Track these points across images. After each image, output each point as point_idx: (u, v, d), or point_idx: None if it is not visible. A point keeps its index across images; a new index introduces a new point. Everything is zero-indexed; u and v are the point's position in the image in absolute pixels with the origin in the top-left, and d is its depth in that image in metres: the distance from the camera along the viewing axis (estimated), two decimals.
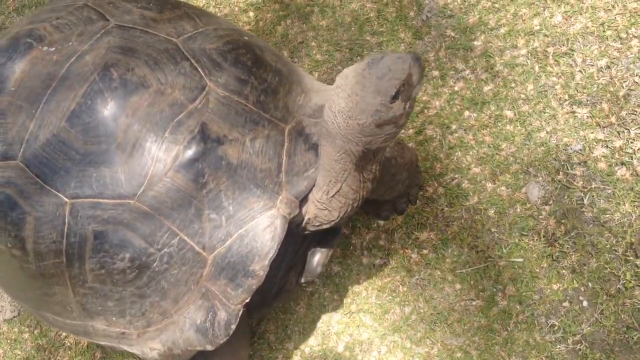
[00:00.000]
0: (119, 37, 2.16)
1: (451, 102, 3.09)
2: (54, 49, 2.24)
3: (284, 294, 2.60)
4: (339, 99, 1.92)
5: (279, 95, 2.27)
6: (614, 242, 2.64)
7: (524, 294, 2.68)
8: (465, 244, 2.83)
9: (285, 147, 2.21)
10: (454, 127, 3.05)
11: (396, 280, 2.87)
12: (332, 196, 2.17)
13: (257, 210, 2.12)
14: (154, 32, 2.21)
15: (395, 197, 2.77)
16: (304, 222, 2.29)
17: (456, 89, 3.11)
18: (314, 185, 2.20)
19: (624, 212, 2.67)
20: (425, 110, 3.12)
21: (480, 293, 2.73)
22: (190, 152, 2.05)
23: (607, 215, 2.68)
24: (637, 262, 2.58)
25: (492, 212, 2.85)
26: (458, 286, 2.78)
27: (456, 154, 3.01)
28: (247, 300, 2.12)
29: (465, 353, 2.66)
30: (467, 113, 3.04)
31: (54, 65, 2.18)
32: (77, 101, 2.08)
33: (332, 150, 2.06)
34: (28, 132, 2.14)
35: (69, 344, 3.18)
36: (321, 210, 2.22)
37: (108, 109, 2.06)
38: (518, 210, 2.82)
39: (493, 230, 2.82)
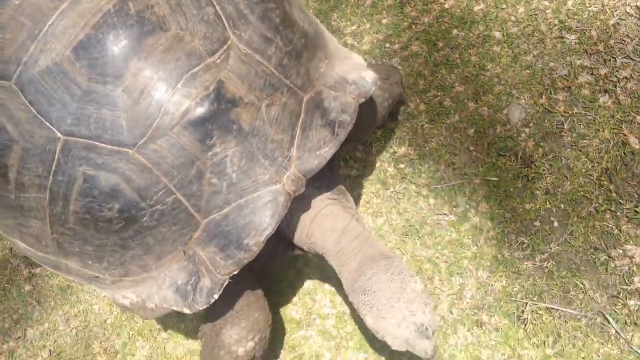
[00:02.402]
0: None
1: (440, 20, 3.03)
2: None
3: (272, 262, 2.50)
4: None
5: (302, 60, 2.11)
6: (589, 166, 2.65)
7: (496, 211, 2.68)
8: (442, 161, 2.81)
9: (301, 120, 2.07)
10: (440, 44, 3.00)
11: (370, 192, 2.84)
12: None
13: (261, 182, 1.99)
14: None
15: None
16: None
17: (446, 6, 3.05)
18: (324, 164, 2.08)
19: (603, 139, 2.67)
20: (413, 26, 3.06)
21: (454, 209, 2.72)
22: (201, 110, 1.89)
23: (586, 141, 2.69)
24: (610, 187, 2.60)
25: (472, 131, 2.83)
26: (432, 201, 2.77)
27: (441, 71, 2.97)
28: (235, 273, 2.01)
29: (434, 265, 2.66)
30: (455, 31, 2.99)
31: None
32: (87, 32, 1.88)
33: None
34: (27, 53, 1.93)
35: None
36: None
37: (120, 48, 1.87)
38: (498, 130, 2.81)
39: (471, 148, 2.80)
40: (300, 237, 2.29)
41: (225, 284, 2.01)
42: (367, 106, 2.33)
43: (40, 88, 1.91)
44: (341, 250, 2.21)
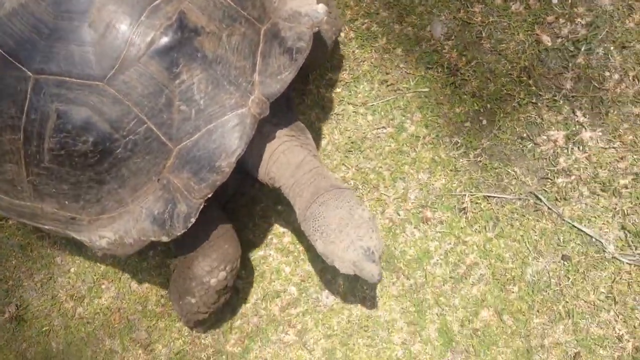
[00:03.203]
0: None
1: None
2: None
3: (239, 195, 2.60)
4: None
5: None
6: (509, 67, 2.86)
7: (429, 119, 2.86)
8: (375, 80, 2.98)
9: (261, 48, 2.18)
10: None
11: (311, 117, 2.98)
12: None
13: (228, 107, 2.08)
14: None
15: None
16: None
17: None
18: (285, 88, 2.18)
19: (518, 41, 2.89)
20: None
21: (391, 121, 2.89)
22: (166, 40, 1.98)
23: (503, 45, 2.90)
24: (530, 82, 2.81)
25: (400, 50, 3.01)
26: (370, 117, 2.93)
27: (365, 0, 3.13)
28: (209, 196, 2.09)
29: (377, 174, 2.81)
30: None
31: None
32: None
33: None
34: None
35: None
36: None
37: None
38: (423, 47, 2.99)
39: (401, 66, 2.98)
40: (261, 172, 2.40)
41: (201, 207, 2.08)
42: (317, 39, 2.45)
43: (7, 30, 1.97)
44: (295, 182, 2.32)
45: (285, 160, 2.34)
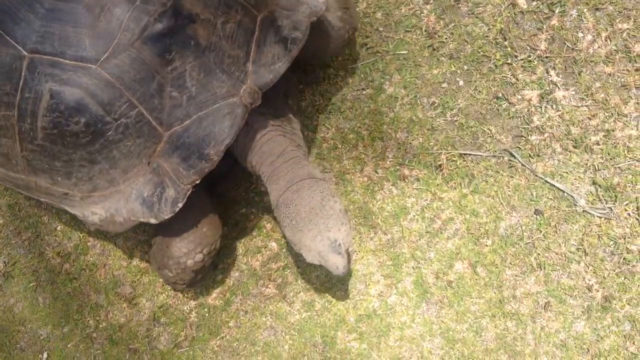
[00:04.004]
0: None
1: None
2: None
3: (230, 180, 2.65)
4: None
5: None
6: (486, 30, 2.92)
7: (408, 80, 2.92)
8: (356, 44, 3.04)
9: (256, 36, 2.17)
10: None
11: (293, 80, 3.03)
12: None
13: (219, 95, 2.10)
14: None
15: None
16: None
17: None
18: (278, 79, 2.17)
19: (495, 4, 2.95)
20: None
21: (370, 83, 2.96)
22: (160, 26, 1.99)
23: (480, 8, 2.96)
24: (505, 44, 2.87)
25: (380, 14, 3.07)
26: (350, 80, 2.99)
27: None
28: (197, 182, 2.13)
29: (356, 134, 2.88)
30: None
31: None
32: None
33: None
34: None
35: None
36: None
37: None
38: (403, 11, 3.05)
39: (381, 29, 3.04)
40: (243, 159, 2.44)
41: (189, 193, 2.12)
42: (321, 29, 2.47)
43: (4, 8, 1.99)
44: (273, 171, 2.35)
45: (267, 149, 2.36)
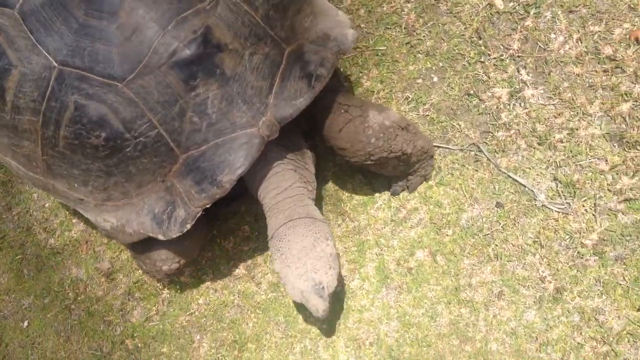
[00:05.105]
0: None
1: None
2: None
3: (239, 201, 2.71)
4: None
5: (288, 14, 2.22)
6: (463, 28, 3.01)
7: (385, 75, 3.02)
8: None
9: (281, 69, 2.17)
10: None
11: None
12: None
13: (238, 125, 2.11)
14: None
15: (396, 175, 2.72)
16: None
17: None
18: (298, 114, 2.16)
19: (473, 4, 3.04)
20: None
21: (348, 77, 3.07)
22: (188, 52, 2.00)
23: (459, 7, 3.05)
24: (480, 42, 2.96)
25: (363, 11, 3.18)
26: None
27: None
28: (208, 206, 2.18)
29: None
30: None
31: None
32: None
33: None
34: None
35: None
36: None
37: None
38: (384, 8, 3.16)
39: (362, 26, 3.15)
40: (251, 187, 2.48)
41: (198, 215, 2.18)
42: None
43: (40, 18, 2.06)
44: (276, 204, 2.38)
45: (274, 181, 2.37)
